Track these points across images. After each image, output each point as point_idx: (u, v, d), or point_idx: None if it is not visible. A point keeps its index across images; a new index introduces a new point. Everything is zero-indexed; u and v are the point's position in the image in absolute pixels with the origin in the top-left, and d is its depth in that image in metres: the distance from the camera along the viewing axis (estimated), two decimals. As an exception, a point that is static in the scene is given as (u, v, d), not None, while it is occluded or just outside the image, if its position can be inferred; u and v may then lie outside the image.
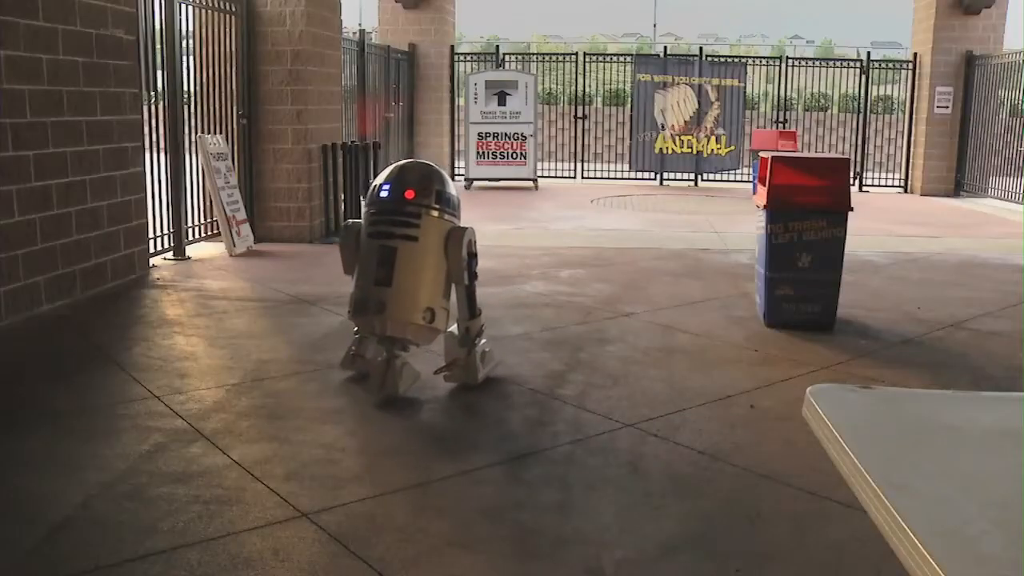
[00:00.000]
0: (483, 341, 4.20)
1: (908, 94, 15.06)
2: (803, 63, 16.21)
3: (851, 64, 16.34)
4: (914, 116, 14.89)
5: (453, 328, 4.16)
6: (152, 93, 7.22)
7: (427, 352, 4.33)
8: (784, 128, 15.08)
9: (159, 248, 7.29)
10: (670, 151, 15.18)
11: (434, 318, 3.87)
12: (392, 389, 3.88)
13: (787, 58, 16.08)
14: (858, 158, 15.28)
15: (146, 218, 6.78)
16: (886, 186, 15.36)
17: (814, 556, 2.74)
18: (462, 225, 4.02)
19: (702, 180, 15.37)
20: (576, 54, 16.21)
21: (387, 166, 4.58)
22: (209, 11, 7.88)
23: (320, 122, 8.72)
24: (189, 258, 7.49)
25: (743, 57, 16.59)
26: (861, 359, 4.87)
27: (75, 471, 3.20)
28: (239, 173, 8.28)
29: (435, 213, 3.91)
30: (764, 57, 17.90)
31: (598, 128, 16.96)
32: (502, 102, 14.11)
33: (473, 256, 4.02)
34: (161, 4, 7.17)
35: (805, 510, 3.02)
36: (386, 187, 3.95)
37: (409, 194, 3.89)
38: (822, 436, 1.43)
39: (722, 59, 16.08)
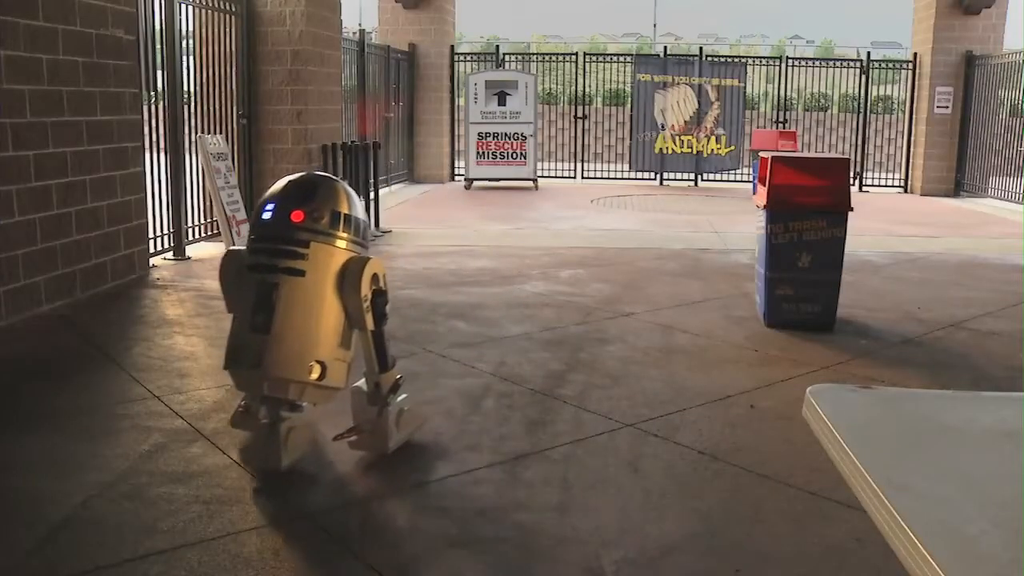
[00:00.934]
0: (401, 398, 3.42)
1: (908, 94, 15.06)
2: (803, 63, 16.21)
3: (851, 64, 16.35)
4: (914, 116, 14.89)
5: (362, 382, 3.40)
6: (152, 93, 7.23)
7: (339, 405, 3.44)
8: (784, 128, 15.08)
9: (159, 248, 7.29)
10: (670, 151, 15.18)
11: (326, 374, 3.09)
12: (272, 461, 3.13)
13: (787, 58, 16.08)
14: (858, 158, 15.28)
15: (146, 218, 6.78)
16: (886, 186, 15.36)
17: (814, 556, 2.74)
18: (368, 255, 3.28)
19: (702, 180, 15.37)
20: (576, 54, 16.20)
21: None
22: (209, 11, 7.88)
23: (320, 122, 8.72)
24: (189, 258, 7.49)
25: (743, 57, 16.59)
26: (861, 359, 4.87)
27: (75, 471, 3.20)
28: (239, 173, 8.28)
29: (332, 240, 3.14)
30: (764, 57, 17.89)
31: (598, 128, 16.96)
32: (502, 102, 14.11)
33: (380, 294, 3.25)
34: (161, 4, 7.17)
35: (805, 510, 3.02)
36: (269, 207, 3.17)
37: (296, 216, 3.10)
38: (822, 436, 1.43)
39: (722, 59, 16.08)
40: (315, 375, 3.06)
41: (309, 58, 8.39)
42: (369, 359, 3.31)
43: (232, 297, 3.23)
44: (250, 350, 3.04)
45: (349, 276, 3.15)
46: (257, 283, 3.08)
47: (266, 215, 3.17)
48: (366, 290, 3.17)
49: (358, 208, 3.29)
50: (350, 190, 3.33)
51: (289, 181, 3.32)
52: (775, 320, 5.44)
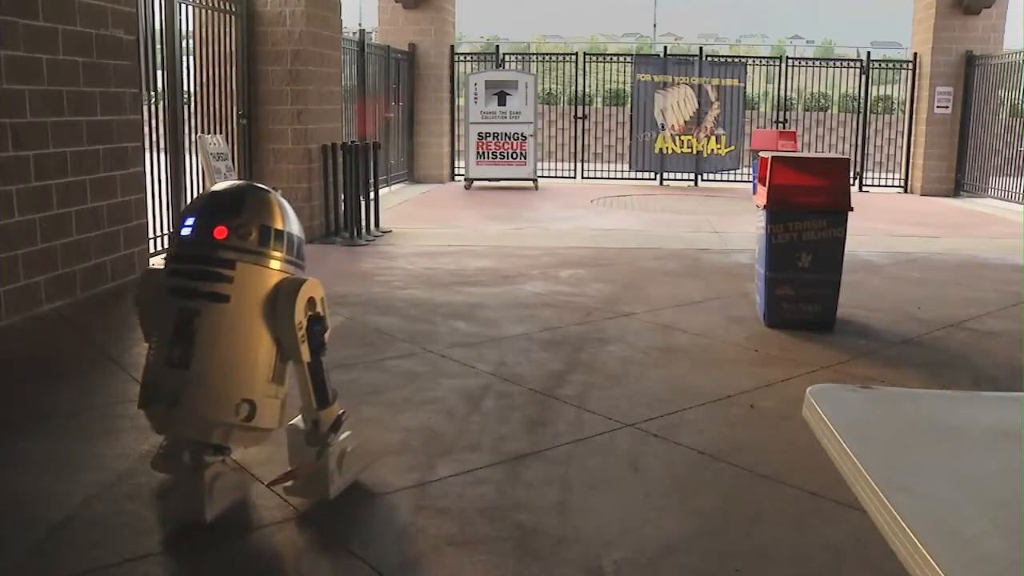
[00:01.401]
0: (344, 436, 3.04)
1: (908, 94, 15.06)
2: (803, 63, 16.21)
3: (851, 64, 16.35)
4: (914, 116, 14.89)
5: (299, 420, 3.02)
6: (152, 93, 7.23)
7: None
8: (784, 128, 15.08)
9: (159, 248, 7.28)
10: (670, 151, 15.18)
11: (254, 414, 2.70)
12: (195, 512, 2.73)
13: (787, 58, 16.08)
14: (858, 158, 15.28)
15: (146, 218, 6.78)
16: (886, 186, 15.36)
17: (814, 556, 2.74)
18: (304, 277, 2.87)
19: (702, 180, 15.37)
20: (576, 54, 16.20)
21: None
22: (209, 11, 7.88)
23: (320, 122, 8.72)
24: (189, 258, 7.47)
25: (743, 57, 16.59)
26: (861, 359, 4.87)
27: (75, 471, 3.20)
28: (239, 173, 8.27)
29: (262, 260, 2.74)
30: (764, 57, 17.90)
31: (598, 128, 16.96)
32: (502, 102, 14.11)
33: (317, 320, 2.86)
34: (161, 4, 7.17)
35: (805, 510, 3.02)
36: (189, 222, 2.77)
37: (220, 232, 2.70)
38: (822, 436, 1.43)
39: (722, 59, 16.08)
40: (242, 416, 2.68)
41: (309, 58, 8.39)
42: (306, 394, 2.91)
43: (149, 324, 2.81)
44: (167, 387, 2.65)
45: (281, 301, 2.75)
46: (176, 310, 2.68)
47: (185, 231, 2.76)
48: (300, 316, 2.77)
49: (293, 222, 2.87)
50: (283, 202, 2.91)
51: (212, 192, 2.98)
52: (775, 320, 5.44)
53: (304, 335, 2.80)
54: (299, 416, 3.00)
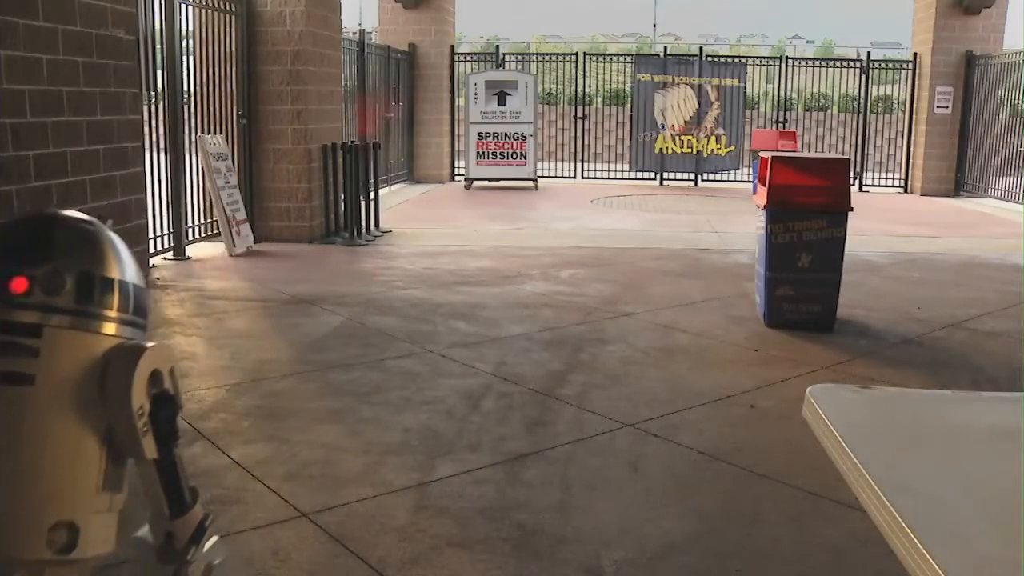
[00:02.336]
0: (209, 544, 2.11)
1: (908, 94, 15.06)
2: (803, 63, 16.22)
3: (851, 64, 16.35)
4: (914, 116, 14.89)
5: (145, 531, 2.22)
6: (152, 93, 7.23)
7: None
8: (784, 128, 15.08)
9: (159, 248, 7.29)
10: (670, 151, 15.18)
11: (76, 540, 1.71)
12: None
13: (787, 58, 16.08)
14: (858, 158, 15.27)
15: (146, 218, 6.78)
16: (886, 186, 15.36)
17: (814, 556, 2.74)
18: (143, 342, 1.68)
19: (702, 180, 15.37)
20: (576, 54, 16.21)
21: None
22: (209, 11, 7.88)
23: (320, 122, 8.72)
24: (189, 258, 7.49)
25: (743, 57, 16.59)
26: (861, 359, 4.87)
27: (75, 471, 3.19)
28: (239, 173, 8.28)
29: (84, 323, 1.66)
30: (764, 57, 17.91)
31: (598, 128, 16.96)
32: (502, 102, 14.11)
33: (166, 401, 1.74)
34: (161, 4, 7.17)
35: (805, 510, 3.02)
36: None
37: (18, 285, 1.64)
38: (822, 436, 1.43)
39: (722, 59, 16.08)
40: (59, 545, 1.73)
41: (309, 58, 8.39)
42: (155, 499, 1.99)
43: None
44: None
45: (112, 378, 1.82)
46: None
47: None
48: (141, 398, 1.82)
49: (128, 266, 1.86)
50: (115, 239, 1.88)
51: (4, 226, 2.13)
52: (775, 320, 5.44)
53: (147, 423, 2.12)
54: (146, 526, 2.43)
